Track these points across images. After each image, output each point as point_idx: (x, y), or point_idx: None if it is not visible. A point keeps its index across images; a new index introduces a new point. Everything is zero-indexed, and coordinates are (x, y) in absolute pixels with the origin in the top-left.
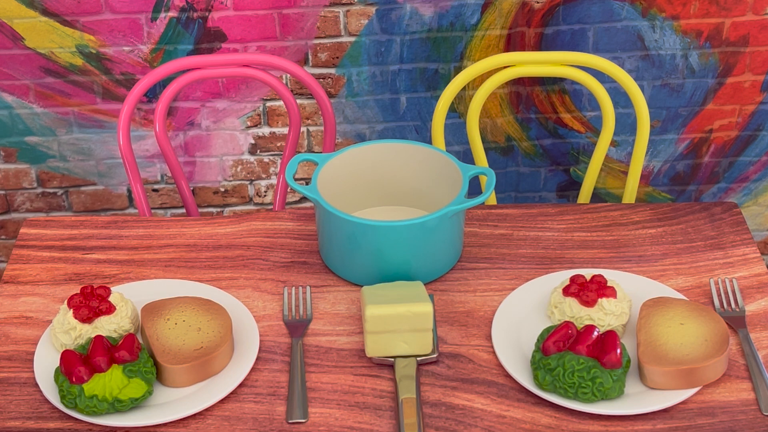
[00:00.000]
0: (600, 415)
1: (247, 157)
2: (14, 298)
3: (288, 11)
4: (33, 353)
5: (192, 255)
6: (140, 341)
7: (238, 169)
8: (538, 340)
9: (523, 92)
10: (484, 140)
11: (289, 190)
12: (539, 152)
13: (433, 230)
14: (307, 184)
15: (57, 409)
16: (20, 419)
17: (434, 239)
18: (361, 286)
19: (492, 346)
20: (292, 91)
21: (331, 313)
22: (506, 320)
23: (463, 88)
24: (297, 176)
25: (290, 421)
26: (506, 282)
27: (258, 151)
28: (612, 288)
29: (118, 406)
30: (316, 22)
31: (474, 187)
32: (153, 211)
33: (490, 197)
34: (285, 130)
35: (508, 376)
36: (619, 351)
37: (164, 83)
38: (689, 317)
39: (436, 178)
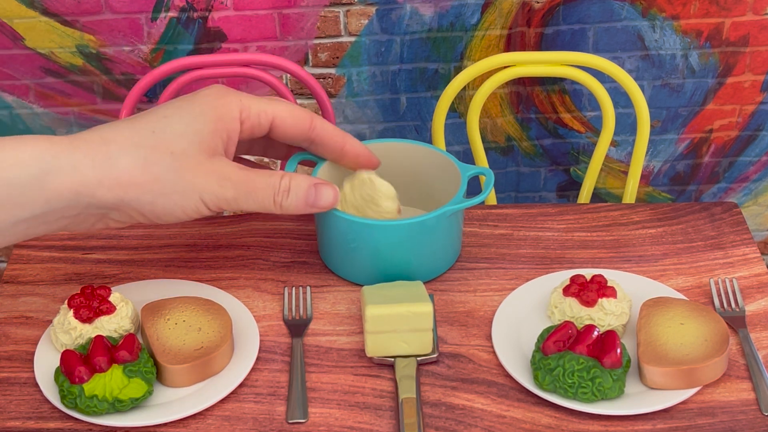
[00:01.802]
0: (600, 415)
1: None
2: (14, 298)
3: (288, 11)
4: (33, 353)
5: (192, 255)
6: (140, 341)
7: None
8: (538, 340)
9: (523, 92)
10: (484, 140)
11: None
12: (539, 152)
13: (432, 229)
14: None
15: (57, 409)
16: (20, 419)
17: (433, 238)
18: (361, 286)
19: (492, 346)
20: (292, 91)
21: (331, 313)
22: (506, 320)
23: (463, 88)
24: None
25: (290, 421)
26: (506, 282)
27: None
28: (612, 288)
29: (118, 406)
30: (316, 22)
31: (475, 187)
32: None
33: (490, 197)
34: None
35: (508, 376)
36: (619, 351)
37: (164, 83)
38: (689, 317)
39: (435, 177)
